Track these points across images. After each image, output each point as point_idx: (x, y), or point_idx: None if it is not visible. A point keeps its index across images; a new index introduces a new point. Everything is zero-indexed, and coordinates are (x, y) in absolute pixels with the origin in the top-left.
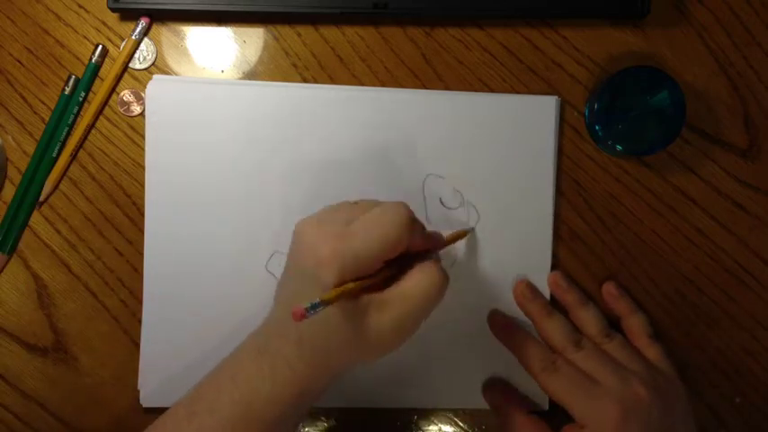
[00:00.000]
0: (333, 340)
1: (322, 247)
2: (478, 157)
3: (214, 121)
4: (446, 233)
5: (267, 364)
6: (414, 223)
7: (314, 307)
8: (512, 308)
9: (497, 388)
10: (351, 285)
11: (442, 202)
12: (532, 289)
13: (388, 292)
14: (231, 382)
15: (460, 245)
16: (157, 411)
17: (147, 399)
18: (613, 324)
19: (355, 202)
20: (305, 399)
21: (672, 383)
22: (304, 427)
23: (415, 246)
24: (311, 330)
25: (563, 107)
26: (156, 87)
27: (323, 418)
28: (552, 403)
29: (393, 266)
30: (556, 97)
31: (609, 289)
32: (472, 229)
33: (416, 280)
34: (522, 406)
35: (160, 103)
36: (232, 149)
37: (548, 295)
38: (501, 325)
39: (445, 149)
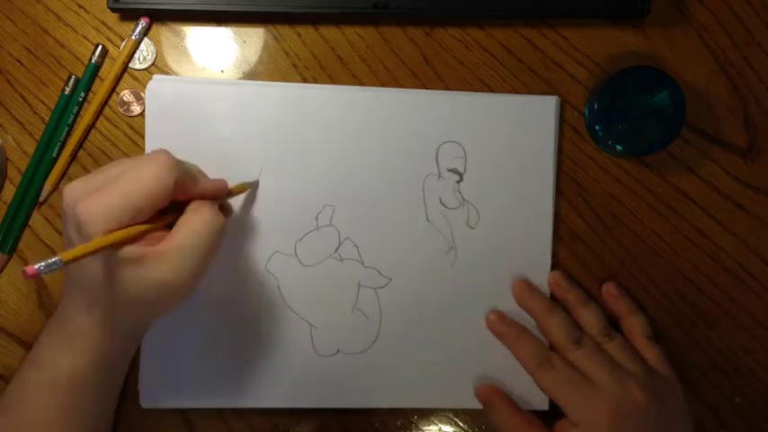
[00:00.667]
0: (118, 297)
1: (82, 204)
2: (478, 157)
3: (214, 121)
4: (232, 185)
5: (64, 335)
6: (177, 170)
7: (49, 266)
8: (512, 308)
9: (487, 385)
10: (96, 242)
11: (441, 202)
12: (531, 287)
13: (163, 242)
14: (34, 369)
15: (460, 240)
16: (159, 412)
17: (147, 399)
18: (613, 324)
19: (123, 158)
20: (110, 362)
21: (670, 386)
22: (303, 427)
23: (188, 193)
24: (91, 291)
25: (563, 107)
26: (155, 87)
27: (321, 417)
28: (552, 404)
29: (172, 215)
30: (556, 97)
31: (609, 289)
32: (256, 182)
33: (187, 222)
34: (512, 404)
35: (160, 103)
36: (232, 149)
37: (549, 294)
38: (498, 322)
39: (448, 147)
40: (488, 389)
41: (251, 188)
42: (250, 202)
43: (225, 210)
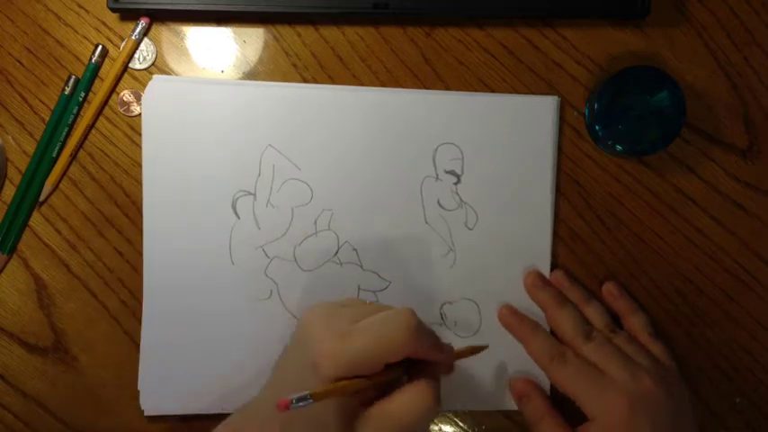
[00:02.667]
0: None
1: (325, 343)
2: (478, 157)
3: (214, 121)
4: (459, 347)
5: None
6: (419, 332)
7: (301, 399)
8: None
9: (524, 378)
10: (342, 385)
11: (439, 204)
12: (542, 278)
13: (376, 406)
14: None
15: (459, 241)
16: (158, 417)
17: (148, 406)
18: (615, 324)
19: (366, 302)
20: None
21: (676, 379)
22: None
23: (420, 353)
24: (298, 426)
25: (563, 107)
26: (155, 87)
27: None
28: (556, 405)
29: (396, 371)
30: (556, 97)
31: (609, 288)
32: (486, 347)
33: (403, 400)
34: (545, 396)
35: (159, 103)
36: (232, 149)
37: None
38: (510, 315)
39: (445, 149)
40: (524, 381)
41: (480, 350)
42: (247, 204)
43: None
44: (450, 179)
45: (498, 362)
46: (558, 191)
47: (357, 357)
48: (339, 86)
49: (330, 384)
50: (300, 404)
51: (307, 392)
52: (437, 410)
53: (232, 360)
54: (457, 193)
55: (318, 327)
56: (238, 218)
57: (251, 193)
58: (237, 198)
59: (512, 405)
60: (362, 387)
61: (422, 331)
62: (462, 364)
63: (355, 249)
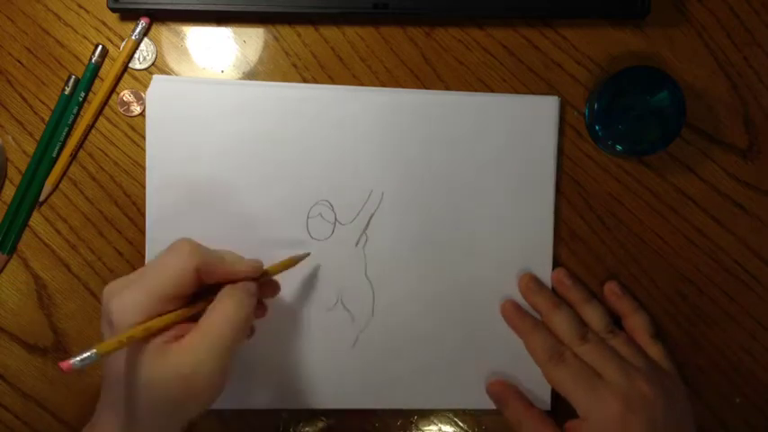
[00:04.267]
0: (140, 395)
1: (112, 301)
2: (479, 158)
3: (214, 121)
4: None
5: None
6: (192, 254)
7: (84, 360)
8: None
9: (500, 381)
10: (128, 333)
11: (440, 204)
12: (537, 281)
13: (189, 334)
14: None
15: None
16: None
17: None
18: (615, 323)
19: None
20: None
21: (674, 382)
22: (304, 427)
23: (210, 275)
24: (118, 390)
25: (563, 107)
26: (156, 87)
27: (322, 419)
28: (554, 403)
29: (204, 302)
30: (556, 97)
31: (611, 287)
32: (308, 254)
33: (213, 312)
34: (524, 399)
35: (161, 104)
36: (232, 149)
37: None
38: (513, 311)
39: (445, 150)
40: (500, 385)
41: (298, 260)
42: (248, 203)
43: (270, 288)
44: (452, 177)
45: (501, 362)
46: (558, 191)
47: (144, 300)
48: (339, 86)
49: (115, 337)
50: (84, 363)
51: (91, 350)
52: (247, 311)
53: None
54: (457, 193)
55: (113, 287)
56: (238, 215)
57: (251, 191)
58: (238, 196)
59: None
60: (155, 328)
61: (202, 253)
62: (464, 364)
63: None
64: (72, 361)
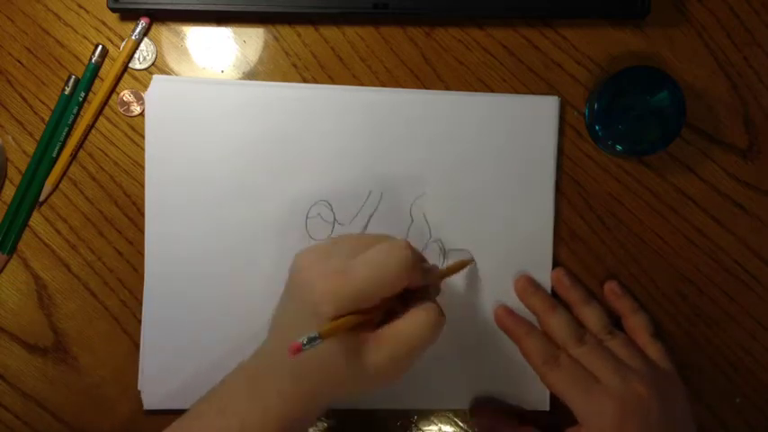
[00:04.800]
0: (328, 375)
1: (321, 283)
2: (479, 158)
3: (214, 121)
4: (445, 266)
5: (259, 397)
6: (415, 265)
7: (311, 341)
8: (514, 308)
9: (485, 409)
10: (347, 320)
11: (425, 218)
12: (533, 283)
13: (385, 330)
14: (220, 416)
15: (458, 238)
16: (159, 413)
17: (148, 400)
18: (615, 323)
19: (359, 236)
20: (295, 428)
21: (672, 382)
22: None
23: (414, 283)
24: (307, 365)
25: (563, 107)
26: (156, 87)
27: (323, 419)
28: (553, 404)
29: (392, 301)
30: (556, 97)
31: (611, 287)
32: (472, 260)
33: (413, 320)
34: (513, 424)
35: (160, 104)
36: (232, 149)
37: (550, 293)
38: (506, 316)
39: (445, 150)
40: (487, 415)
41: (471, 264)
42: (248, 204)
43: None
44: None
45: (500, 362)
46: (559, 191)
47: (357, 293)
48: (339, 86)
49: (335, 321)
50: (311, 344)
51: (315, 333)
52: (442, 324)
53: (232, 355)
54: (457, 193)
55: (315, 268)
56: (238, 215)
57: (251, 191)
58: (238, 196)
59: (513, 404)
60: (364, 321)
61: (417, 263)
62: (464, 364)
63: None
64: (301, 341)
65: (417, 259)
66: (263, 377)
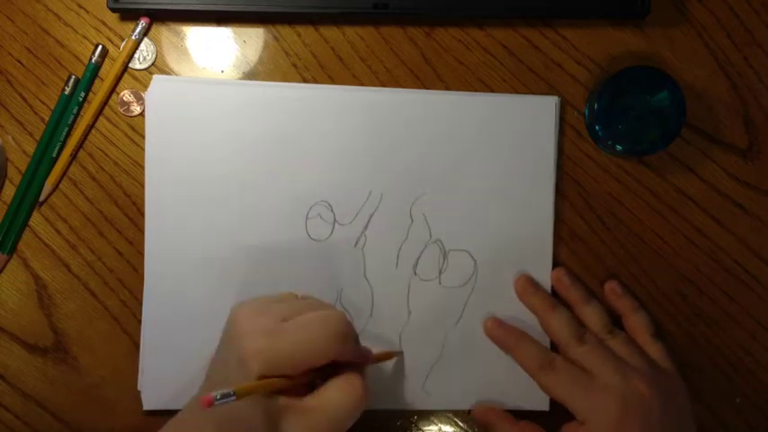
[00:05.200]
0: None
1: (250, 340)
2: (479, 158)
3: (214, 121)
4: (377, 350)
5: None
6: (346, 339)
7: (224, 397)
8: (514, 308)
9: (483, 406)
10: (266, 382)
11: (426, 219)
12: (533, 283)
13: (308, 400)
14: None
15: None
16: (158, 413)
17: (148, 400)
18: (615, 323)
19: (301, 298)
20: None
21: (673, 382)
22: None
23: (344, 357)
24: (228, 424)
25: (563, 107)
26: (156, 87)
27: None
28: (553, 404)
29: (320, 371)
30: (556, 97)
31: (612, 286)
32: (401, 353)
33: (336, 392)
34: (511, 420)
35: (160, 104)
36: (232, 149)
37: (550, 292)
38: (496, 328)
39: (445, 150)
40: (483, 410)
41: (397, 356)
42: (248, 204)
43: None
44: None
45: (500, 362)
46: (558, 191)
47: (284, 357)
48: (339, 86)
49: (254, 382)
50: (224, 400)
51: (230, 389)
52: (364, 399)
53: None
54: (457, 193)
55: (246, 323)
56: (238, 215)
57: (251, 191)
58: (238, 196)
59: (513, 404)
60: (286, 386)
61: (348, 338)
62: (464, 364)
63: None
64: (213, 395)
65: (350, 335)
66: (188, 430)
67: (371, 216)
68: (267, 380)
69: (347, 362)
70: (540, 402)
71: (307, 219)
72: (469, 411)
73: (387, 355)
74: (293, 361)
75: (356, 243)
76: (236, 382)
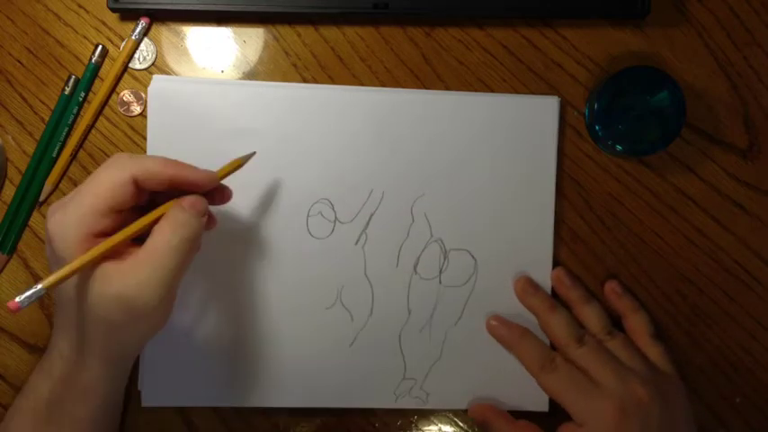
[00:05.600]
0: (85, 318)
1: (49, 222)
2: (480, 158)
3: (214, 121)
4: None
5: (46, 360)
6: (129, 164)
7: (30, 297)
8: (514, 308)
9: (480, 405)
10: (77, 261)
11: (426, 218)
12: (532, 284)
13: (132, 255)
14: (20, 395)
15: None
16: (158, 411)
17: (148, 398)
18: (616, 323)
19: None
20: (93, 392)
21: (672, 383)
22: (303, 427)
23: (159, 185)
24: (67, 312)
25: (563, 107)
26: (156, 87)
27: (321, 417)
28: (552, 405)
29: (150, 216)
30: (557, 98)
31: (612, 286)
32: (252, 153)
33: (158, 231)
34: (509, 419)
35: (161, 104)
36: (232, 149)
37: (550, 293)
38: (499, 326)
39: (446, 149)
40: (480, 408)
41: (244, 161)
42: (247, 200)
43: (220, 195)
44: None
45: (500, 362)
46: (559, 191)
47: (77, 216)
48: (339, 86)
49: (60, 269)
50: (32, 299)
51: (37, 286)
52: (195, 230)
53: (232, 354)
54: (457, 193)
55: (48, 214)
56: (238, 214)
57: (251, 191)
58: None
59: (512, 405)
60: (99, 255)
61: (133, 162)
62: (464, 364)
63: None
64: (19, 299)
65: (137, 160)
66: (49, 345)
67: (372, 215)
68: (79, 258)
69: (175, 187)
70: (539, 403)
71: (308, 216)
72: (467, 411)
73: (234, 164)
74: (87, 215)
75: (357, 241)
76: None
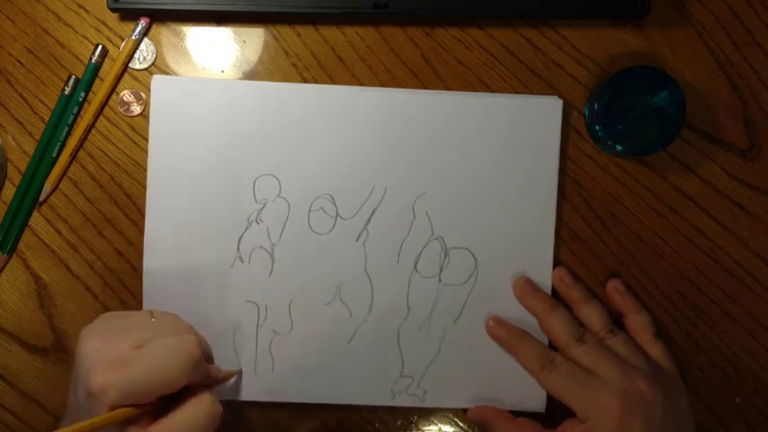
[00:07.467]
0: None
1: (100, 373)
2: (481, 158)
3: (214, 121)
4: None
5: None
6: (198, 364)
7: None
8: (514, 308)
9: (479, 407)
10: (112, 415)
11: (428, 215)
12: (531, 284)
13: (159, 426)
14: None
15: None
16: None
17: None
18: (616, 323)
19: (153, 316)
20: None
21: (673, 382)
22: (303, 427)
23: (194, 382)
24: None
25: (564, 107)
26: (156, 87)
27: (321, 417)
28: (549, 405)
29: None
30: (559, 98)
31: (615, 285)
32: (239, 371)
33: (186, 415)
34: (508, 417)
35: (161, 104)
36: (232, 149)
37: (550, 292)
38: (497, 327)
39: (448, 149)
40: (479, 410)
41: (237, 375)
42: (249, 203)
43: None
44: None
45: (500, 362)
46: (559, 191)
47: (135, 388)
48: (339, 86)
49: (97, 417)
50: None
51: (76, 427)
52: (219, 416)
53: (230, 357)
54: (458, 193)
55: (95, 356)
56: (239, 215)
57: (251, 192)
58: (238, 196)
59: (509, 405)
60: (135, 414)
61: (201, 364)
62: (464, 364)
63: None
64: None
65: (200, 361)
66: None
67: (374, 211)
68: (112, 413)
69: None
70: (537, 403)
71: (309, 211)
72: (465, 410)
73: (229, 374)
74: (145, 391)
75: (358, 238)
76: (89, 413)
